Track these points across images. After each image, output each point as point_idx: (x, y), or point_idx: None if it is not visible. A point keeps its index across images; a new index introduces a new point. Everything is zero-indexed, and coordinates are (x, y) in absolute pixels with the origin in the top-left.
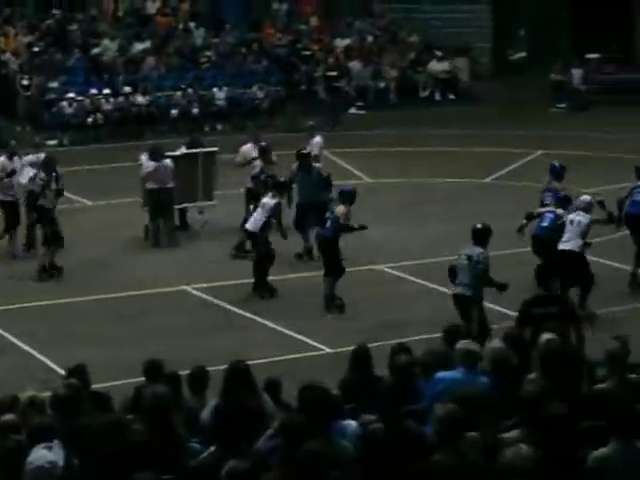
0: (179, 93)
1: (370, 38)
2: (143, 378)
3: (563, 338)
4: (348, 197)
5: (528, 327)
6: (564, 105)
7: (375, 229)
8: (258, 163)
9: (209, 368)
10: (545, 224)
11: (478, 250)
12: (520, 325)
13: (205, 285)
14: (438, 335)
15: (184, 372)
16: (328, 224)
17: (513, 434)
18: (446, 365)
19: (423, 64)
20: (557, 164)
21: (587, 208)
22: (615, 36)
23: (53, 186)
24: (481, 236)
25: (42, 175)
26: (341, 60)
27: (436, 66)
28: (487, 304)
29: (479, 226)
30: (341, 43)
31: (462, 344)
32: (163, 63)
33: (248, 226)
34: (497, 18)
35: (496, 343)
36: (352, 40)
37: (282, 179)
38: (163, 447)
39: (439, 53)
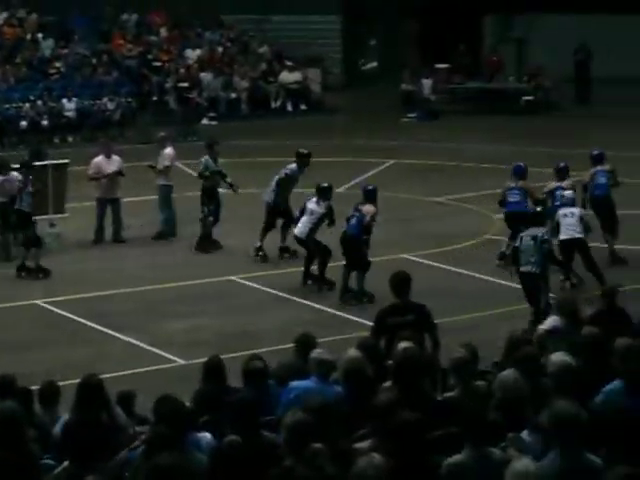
0: (28, 105)
1: (220, 49)
2: None
3: (418, 346)
4: (374, 196)
5: (383, 336)
6: (414, 115)
7: (231, 239)
8: (203, 159)
9: (61, 382)
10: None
11: (541, 230)
12: (375, 334)
13: (58, 299)
14: (290, 346)
15: (35, 387)
16: (353, 221)
17: (366, 443)
18: (299, 376)
19: (274, 75)
20: (522, 164)
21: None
22: (464, 46)
23: (30, 189)
24: (538, 218)
25: (20, 178)
26: (192, 71)
27: (287, 77)
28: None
29: (538, 209)
30: (192, 54)
31: (316, 353)
32: (11, 74)
33: (296, 232)
34: (348, 29)
35: (351, 352)
36: (203, 51)
37: (325, 184)
38: (16, 463)
39: (290, 64)
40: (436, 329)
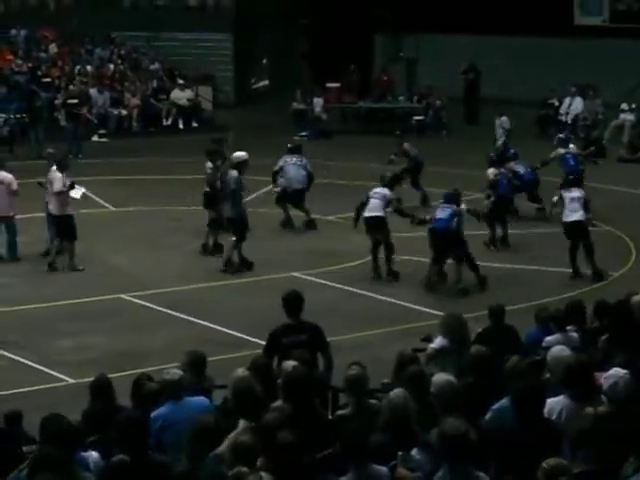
0: None
1: (111, 66)
2: None
3: (307, 365)
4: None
5: (276, 355)
6: (306, 133)
7: (119, 257)
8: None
9: None
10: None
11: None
12: (268, 353)
13: None
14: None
15: None
16: (446, 215)
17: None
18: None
19: (166, 92)
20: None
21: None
22: (354, 66)
23: None
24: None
25: None
26: (82, 87)
27: (179, 94)
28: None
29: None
30: (82, 70)
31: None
32: None
33: (376, 214)
34: (239, 47)
35: (239, 371)
36: (93, 67)
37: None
38: None
39: (181, 81)
40: (329, 349)
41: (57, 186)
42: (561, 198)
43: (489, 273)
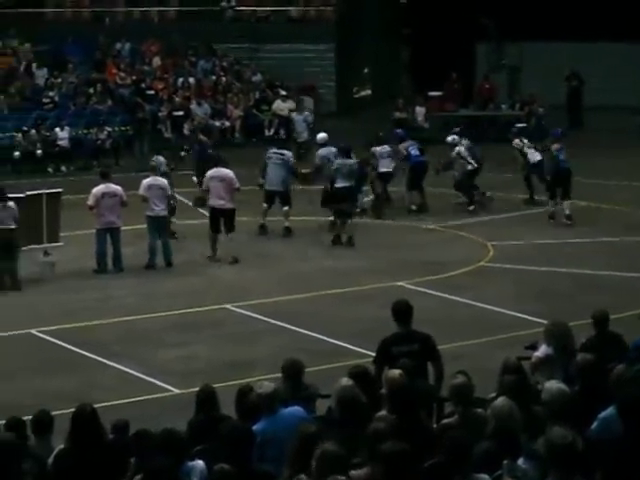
0: (21, 134)
1: (214, 77)
2: None
3: (413, 375)
4: None
5: (386, 365)
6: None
7: (223, 268)
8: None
9: (54, 412)
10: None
11: None
12: (379, 363)
13: (52, 328)
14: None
15: (27, 417)
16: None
17: (360, 472)
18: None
19: (268, 103)
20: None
21: None
22: (456, 74)
23: None
24: None
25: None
26: (185, 99)
27: (281, 105)
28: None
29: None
30: (185, 82)
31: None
32: (5, 104)
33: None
34: (341, 57)
35: (343, 380)
36: (196, 79)
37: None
38: None
39: (283, 92)
40: (441, 359)
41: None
42: None
43: (594, 281)
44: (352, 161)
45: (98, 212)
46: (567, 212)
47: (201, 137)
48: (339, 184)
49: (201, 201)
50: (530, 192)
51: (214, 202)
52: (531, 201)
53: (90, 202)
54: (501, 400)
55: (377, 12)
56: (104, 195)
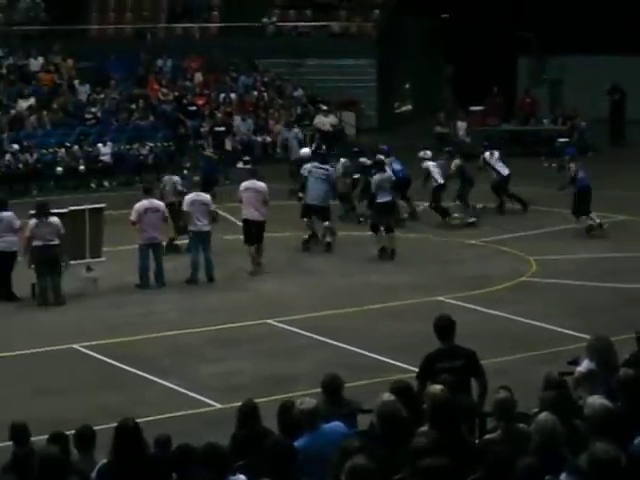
0: (64, 150)
1: (255, 93)
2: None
3: (458, 390)
4: None
5: (429, 381)
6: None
7: (265, 282)
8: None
9: (98, 427)
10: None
11: None
12: (422, 379)
13: (95, 343)
14: None
15: (70, 432)
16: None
17: None
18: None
19: (309, 118)
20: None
21: None
22: (498, 88)
23: None
24: None
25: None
26: (226, 115)
27: (322, 120)
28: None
29: None
30: (226, 98)
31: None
32: (48, 120)
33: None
34: (382, 72)
35: (385, 395)
36: (237, 95)
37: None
38: None
39: (325, 107)
40: (485, 375)
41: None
42: None
43: (636, 295)
44: (389, 174)
45: (140, 227)
46: (591, 223)
47: (206, 153)
48: (382, 199)
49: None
50: (501, 202)
51: (249, 214)
52: (500, 210)
53: (133, 217)
54: (545, 415)
55: (418, 27)
56: (147, 210)
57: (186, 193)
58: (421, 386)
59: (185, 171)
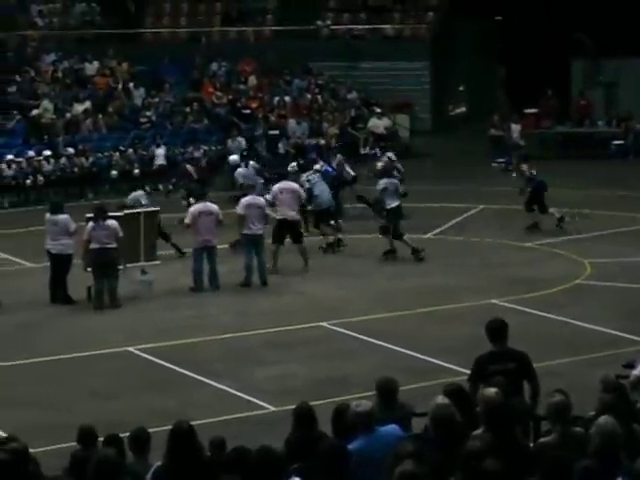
0: (118, 153)
1: (309, 96)
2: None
3: (509, 393)
4: None
5: (480, 383)
6: (503, 160)
7: (318, 286)
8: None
9: (152, 429)
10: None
11: None
12: (474, 381)
13: (149, 346)
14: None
15: (125, 434)
16: None
17: None
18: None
19: (363, 121)
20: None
21: None
22: (552, 91)
23: None
24: None
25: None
26: (280, 118)
27: (376, 122)
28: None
29: None
30: (280, 101)
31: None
32: (103, 124)
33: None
34: (436, 74)
35: (438, 399)
36: (291, 98)
37: None
38: None
39: (378, 110)
40: (537, 378)
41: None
42: None
43: None
44: (396, 180)
45: (195, 231)
46: (537, 220)
47: (187, 167)
48: (390, 204)
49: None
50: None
51: (285, 213)
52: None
53: (187, 221)
54: (605, 417)
55: (472, 29)
56: (201, 214)
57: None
58: (473, 388)
59: (170, 186)
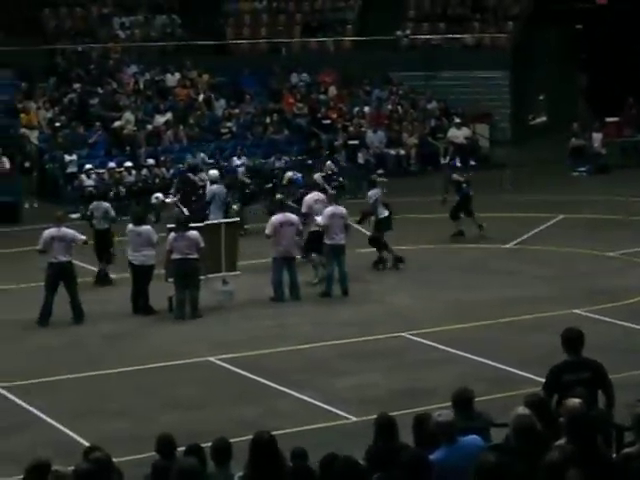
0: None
1: (389, 106)
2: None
3: (590, 403)
4: None
5: (555, 393)
6: (584, 169)
7: (398, 296)
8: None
9: (233, 439)
10: None
11: None
12: (549, 391)
13: (230, 356)
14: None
15: (207, 444)
16: None
17: None
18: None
19: (443, 131)
20: None
21: None
22: (633, 99)
23: None
24: None
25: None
26: (360, 128)
27: (456, 132)
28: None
29: None
30: (360, 111)
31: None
32: (184, 135)
33: None
34: (516, 83)
35: (519, 409)
36: (371, 108)
37: None
38: None
39: (458, 119)
40: (612, 387)
41: None
42: None
43: None
44: (382, 190)
45: (275, 241)
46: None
47: (191, 177)
48: (382, 214)
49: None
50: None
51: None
52: None
53: (268, 231)
54: None
55: (552, 38)
56: (282, 224)
57: (115, 220)
58: (548, 398)
59: (168, 200)
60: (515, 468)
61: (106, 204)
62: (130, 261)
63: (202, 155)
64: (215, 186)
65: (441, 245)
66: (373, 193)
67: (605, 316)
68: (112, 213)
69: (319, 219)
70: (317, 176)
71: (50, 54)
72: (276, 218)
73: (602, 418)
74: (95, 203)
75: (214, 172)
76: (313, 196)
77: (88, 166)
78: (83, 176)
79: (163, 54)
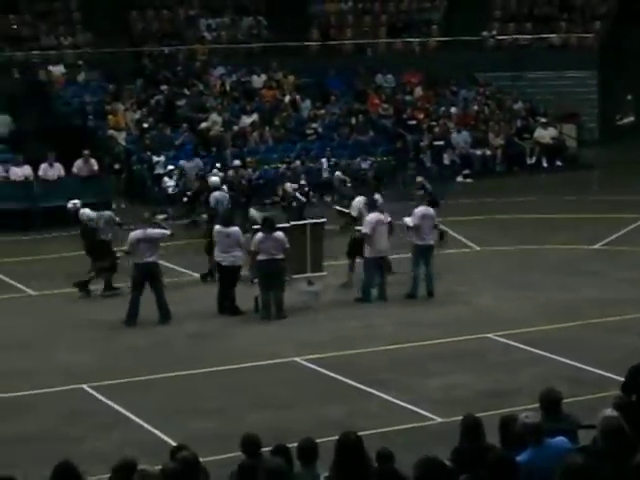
0: (284, 166)
1: (475, 106)
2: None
3: None
4: None
5: (634, 394)
6: None
7: (484, 297)
8: None
9: (320, 440)
10: None
11: None
12: (627, 391)
13: (316, 356)
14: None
15: (293, 444)
16: None
17: None
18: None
19: (529, 131)
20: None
21: None
22: None
23: None
24: None
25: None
26: (446, 129)
27: (542, 133)
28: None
29: None
30: (446, 112)
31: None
32: (270, 135)
33: None
34: (604, 83)
35: (607, 411)
36: (457, 109)
37: None
38: None
39: (544, 120)
40: None
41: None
42: None
43: None
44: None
45: (371, 241)
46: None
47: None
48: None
49: None
50: None
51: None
52: None
53: (366, 230)
54: None
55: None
56: (378, 223)
57: (121, 225)
58: (627, 399)
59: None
60: (602, 470)
61: (108, 212)
62: (219, 262)
63: (197, 160)
64: (217, 193)
65: (526, 246)
66: (362, 199)
67: None
68: (116, 219)
69: (408, 220)
70: (288, 186)
71: (137, 56)
72: (372, 217)
73: None
74: (98, 213)
75: (215, 179)
76: (361, 200)
77: (170, 167)
78: (165, 177)
79: (249, 56)
